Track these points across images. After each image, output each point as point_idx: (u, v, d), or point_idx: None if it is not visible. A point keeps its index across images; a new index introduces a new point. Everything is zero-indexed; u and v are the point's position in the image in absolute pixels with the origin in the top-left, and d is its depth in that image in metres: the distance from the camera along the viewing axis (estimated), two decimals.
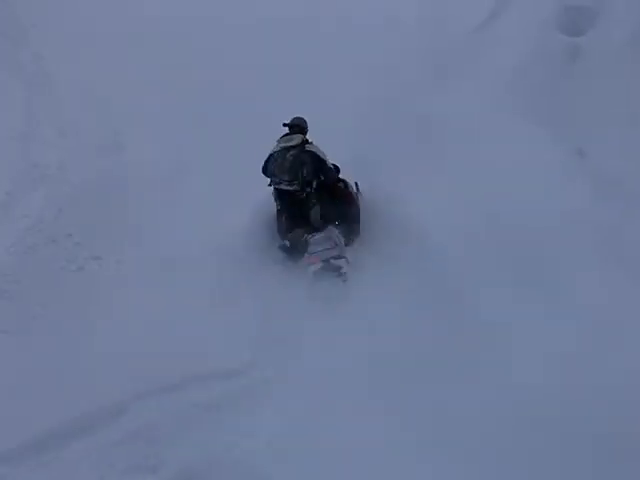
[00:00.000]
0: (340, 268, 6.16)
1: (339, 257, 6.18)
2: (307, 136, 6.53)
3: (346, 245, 6.35)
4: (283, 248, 6.35)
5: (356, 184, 6.75)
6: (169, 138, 8.15)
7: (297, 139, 6.43)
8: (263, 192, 6.49)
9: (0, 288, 6.04)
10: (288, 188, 6.33)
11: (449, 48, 8.90)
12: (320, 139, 6.59)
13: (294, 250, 6.33)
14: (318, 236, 6.24)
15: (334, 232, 6.30)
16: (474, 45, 8.74)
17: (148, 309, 5.73)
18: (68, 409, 4.68)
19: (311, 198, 6.41)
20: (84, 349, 5.36)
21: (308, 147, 6.41)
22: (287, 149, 6.37)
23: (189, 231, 6.60)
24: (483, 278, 5.83)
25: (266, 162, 6.39)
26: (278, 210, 6.48)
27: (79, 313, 5.79)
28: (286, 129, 6.50)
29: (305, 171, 6.33)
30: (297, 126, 6.57)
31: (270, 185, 6.34)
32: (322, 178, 6.47)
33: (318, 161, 6.40)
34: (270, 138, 6.56)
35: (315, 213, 6.46)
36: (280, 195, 6.39)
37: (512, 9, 8.82)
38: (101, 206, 7.08)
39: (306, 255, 6.22)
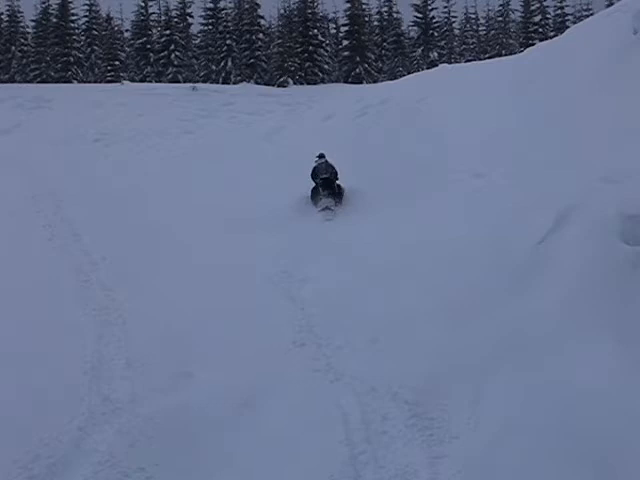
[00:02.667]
0: (332, 210, 14.78)
1: (332, 208, 14.80)
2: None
3: (335, 205, 14.93)
4: (313, 201, 15.15)
5: (341, 186, 15.26)
6: (237, 365, 8.77)
7: (326, 159, 15.53)
8: None
9: None
10: (327, 176, 15.07)
11: (513, 262, 9.50)
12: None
13: (315, 203, 15.06)
14: (326, 199, 14.86)
15: (332, 200, 14.89)
16: (537, 257, 9.29)
17: None
18: None
19: (331, 183, 15.09)
20: None
21: (331, 162, 15.42)
22: (323, 162, 15.43)
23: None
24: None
25: (314, 170, 15.30)
26: (313, 188, 15.21)
27: None
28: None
29: (333, 170, 15.23)
30: (323, 155, 15.62)
31: (316, 181, 15.24)
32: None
33: (334, 168, 15.30)
34: None
35: (330, 191, 14.99)
36: (321, 182, 15.05)
37: (574, 220, 9.39)
38: (172, 439, 7.44)
39: (319, 203, 14.90)
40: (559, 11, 51.40)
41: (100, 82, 44.17)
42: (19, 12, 50.51)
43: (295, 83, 44.02)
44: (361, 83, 43.85)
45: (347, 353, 9.09)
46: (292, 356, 9.25)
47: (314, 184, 15.23)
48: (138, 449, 7.27)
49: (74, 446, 7.27)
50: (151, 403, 8.00)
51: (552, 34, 44.16)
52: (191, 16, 50.81)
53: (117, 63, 48.98)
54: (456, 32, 55.65)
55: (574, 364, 7.40)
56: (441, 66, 25.44)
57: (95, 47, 49.78)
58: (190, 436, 7.50)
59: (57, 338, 9.41)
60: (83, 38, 50.36)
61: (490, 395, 7.56)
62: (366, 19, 51.58)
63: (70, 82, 43.93)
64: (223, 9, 50.00)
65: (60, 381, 8.29)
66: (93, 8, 50.82)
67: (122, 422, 7.68)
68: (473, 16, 56.49)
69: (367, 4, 51.61)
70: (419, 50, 49.61)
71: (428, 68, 35.87)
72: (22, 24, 50.93)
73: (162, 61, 47.97)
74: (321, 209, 14.77)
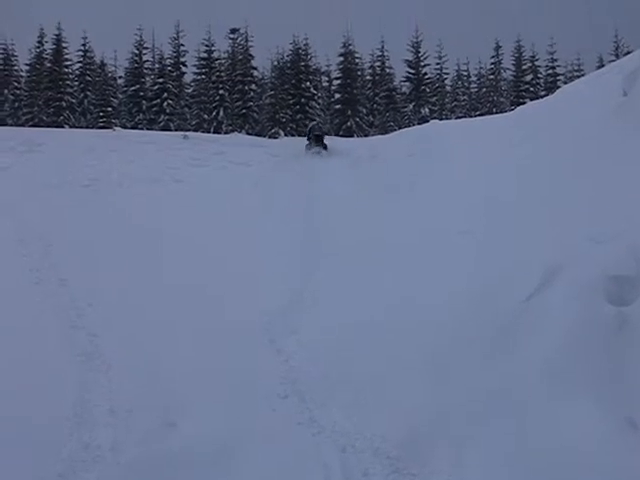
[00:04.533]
0: (320, 153, 25.57)
1: (321, 152, 25.61)
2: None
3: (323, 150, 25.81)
4: (307, 148, 26.39)
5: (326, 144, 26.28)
6: (220, 415, 8.82)
7: (318, 122, 33.07)
8: None
9: None
10: (319, 133, 26.93)
11: (498, 321, 9.62)
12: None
13: (309, 149, 26.26)
14: (316, 147, 25.97)
15: (321, 149, 25.86)
16: (522, 315, 9.41)
17: None
18: None
19: (321, 137, 26.69)
20: None
21: (320, 124, 32.38)
22: (316, 123, 30.74)
23: None
24: None
25: (310, 129, 28.17)
26: (307, 144, 26.80)
27: None
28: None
29: (323, 128, 29.01)
30: (316, 122, 34.03)
31: (309, 136, 27.35)
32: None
33: (323, 129, 28.82)
34: None
35: (319, 142, 26.31)
36: (314, 136, 26.58)
37: (559, 279, 9.51)
38: None
39: (312, 150, 25.89)
40: (550, 71, 52.36)
41: (92, 128, 44.48)
42: (13, 55, 51.23)
43: (286, 135, 44.49)
44: (352, 137, 44.30)
45: (330, 406, 9.15)
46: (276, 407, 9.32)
47: (308, 139, 27.12)
48: None
49: None
50: (132, 451, 8.02)
51: (543, 93, 45.00)
52: (185, 65, 51.52)
53: (110, 109, 49.41)
54: (448, 89, 56.56)
55: (559, 425, 7.47)
56: (432, 122, 25.88)
57: (88, 93, 50.27)
58: None
59: (40, 384, 9.41)
60: (76, 83, 50.85)
61: (472, 453, 7.61)
62: (359, 73, 52.35)
63: (62, 127, 44.21)
64: (217, 59, 50.70)
65: (41, 427, 8.30)
66: (87, 54, 51.44)
67: (102, 470, 7.69)
68: (465, 73, 57.64)
69: (360, 58, 52.48)
70: (410, 105, 50.33)
71: (419, 124, 36.35)
72: (16, 67, 51.62)
73: (154, 109, 48.43)
74: (313, 153, 25.60)
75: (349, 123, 48.41)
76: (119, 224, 16.99)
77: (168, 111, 48.26)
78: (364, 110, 50.23)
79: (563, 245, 10.23)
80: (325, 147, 26.06)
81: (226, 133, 44.11)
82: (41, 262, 14.58)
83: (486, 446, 7.56)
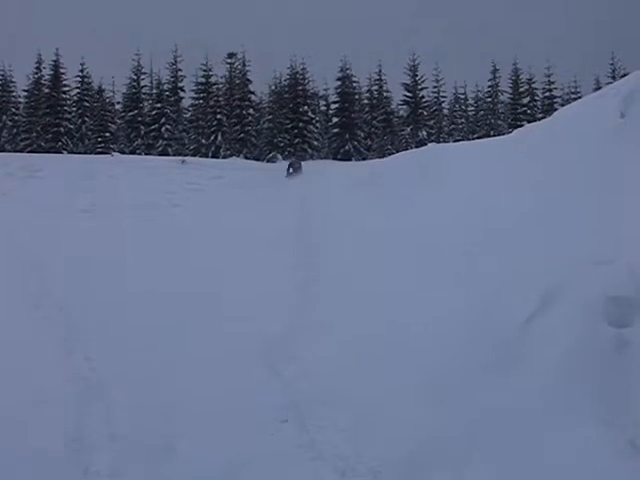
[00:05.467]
0: (291, 173, 31.89)
1: (294, 174, 31.50)
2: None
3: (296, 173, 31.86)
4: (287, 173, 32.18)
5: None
6: (219, 439, 8.78)
7: (295, 157, 37.49)
8: None
9: None
10: (298, 166, 32.17)
11: (497, 343, 9.62)
12: None
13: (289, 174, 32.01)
14: (293, 174, 31.46)
15: (296, 174, 31.15)
16: (522, 337, 9.41)
17: None
18: None
19: (300, 166, 32.66)
20: None
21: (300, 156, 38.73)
22: (293, 158, 36.09)
23: None
24: None
25: (291, 162, 33.64)
26: (288, 172, 32.02)
27: None
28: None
29: (301, 164, 32.92)
30: (295, 155, 41.12)
31: (290, 167, 32.82)
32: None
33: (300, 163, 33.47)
34: None
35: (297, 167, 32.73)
36: (293, 166, 32.46)
37: (559, 300, 9.51)
38: None
39: (289, 175, 31.60)
40: (547, 93, 52.62)
41: (90, 153, 44.62)
42: (11, 82, 51.46)
43: (284, 159, 44.65)
44: (350, 160, 44.51)
45: (330, 430, 9.11)
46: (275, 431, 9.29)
47: (289, 168, 32.20)
48: None
49: None
50: (132, 477, 7.99)
51: (540, 116, 45.21)
52: (182, 90, 51.77)
53: (108, 135, 49.55)
54: (445, 112, 56.83)
55: (558, 448, 7.42)
56: (429, 145, 26.01)
57: (86, 118, 50.44)
58: None
59: (39, 409, 9.41)
60: (74, 109, 51.03)
61: (472, 478, 7.55)
62: (356, 97, 52.59)
63: (60, 153, 44.34)
64: (214, 84, 50.96)
65: (40, 452, 8.28)
66: (85, 80, 51.66)
67: None
68: (462, 96, 57.92)
69: (357, 82, 52.72)
70: (408, 129, 50.51)
71: (417, 147, 36.48)
72: (14, 94, 51.83)
73: (152, 134, 48.58)
74: (289, 176, 30.98)
75: (347, 147, 48.58)
76: (117, 249, 17.03)
77: (166, 136, 48.42)
78: (362, 134, 50.41)
79: (563, 266, 10.25)
80: (301, 170, 32.94)
81: (224, 157, 44.31)
82: (39, 287, 14.60)
83: (484, 471, 7.51)
